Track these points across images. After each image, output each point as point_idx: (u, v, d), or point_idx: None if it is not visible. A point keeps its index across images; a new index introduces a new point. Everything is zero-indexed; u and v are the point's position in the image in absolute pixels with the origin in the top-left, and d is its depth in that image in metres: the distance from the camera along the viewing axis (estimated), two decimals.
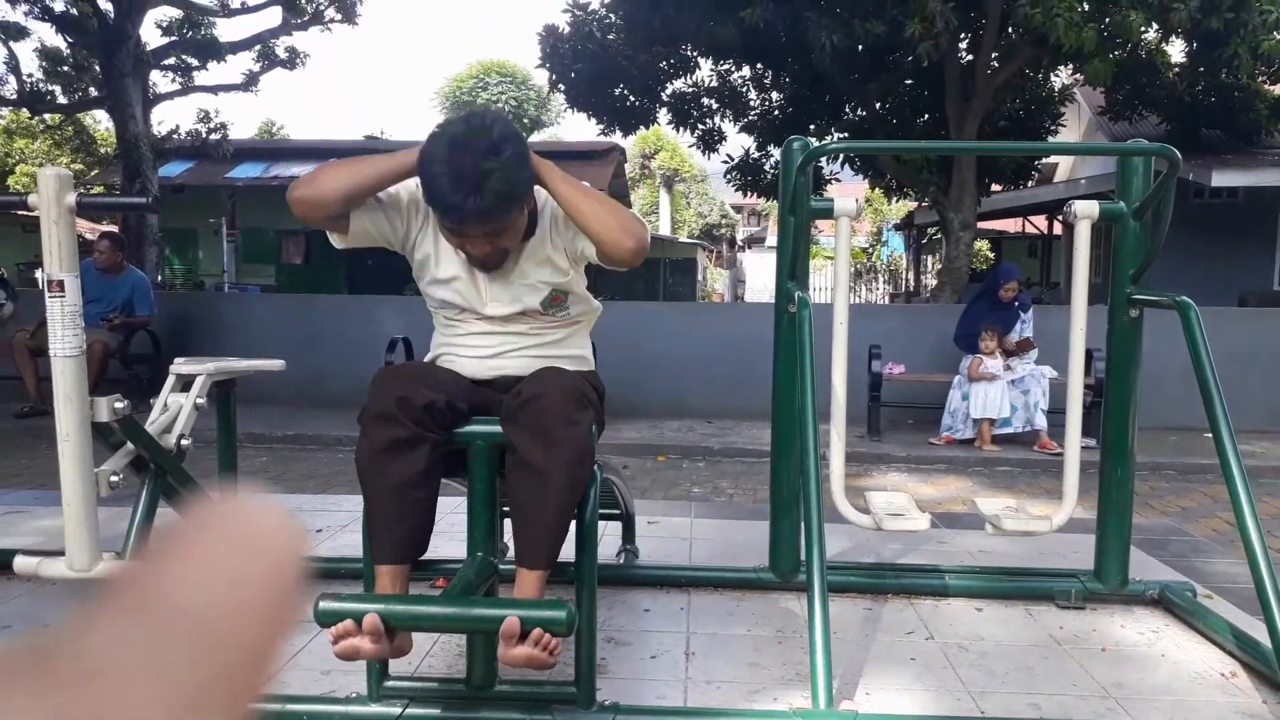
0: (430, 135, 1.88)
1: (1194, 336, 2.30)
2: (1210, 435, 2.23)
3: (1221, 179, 11.06)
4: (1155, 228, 2.55)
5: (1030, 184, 13.33)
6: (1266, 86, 11.35)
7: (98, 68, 11.25)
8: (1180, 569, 3.09)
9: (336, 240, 2.06)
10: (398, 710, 1.94)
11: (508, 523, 2.23)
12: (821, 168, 12.07)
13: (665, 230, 30.42)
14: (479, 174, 1.80)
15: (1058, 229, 16.62)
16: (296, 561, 0.31)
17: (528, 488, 1.85)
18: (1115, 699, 2.15)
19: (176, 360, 2.61)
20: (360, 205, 1.98)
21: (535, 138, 32.21)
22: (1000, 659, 2.37)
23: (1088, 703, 2.13)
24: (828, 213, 2.56)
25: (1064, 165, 17.04)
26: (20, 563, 2.16)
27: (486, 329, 2.12)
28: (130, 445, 2.27)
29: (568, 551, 1.97)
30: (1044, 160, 12.72)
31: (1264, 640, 2.05)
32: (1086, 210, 2.54)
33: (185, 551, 0.29)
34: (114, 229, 9.10)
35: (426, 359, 2.24)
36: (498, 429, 1.92)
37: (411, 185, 2.04)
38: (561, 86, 10.67)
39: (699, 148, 12.23)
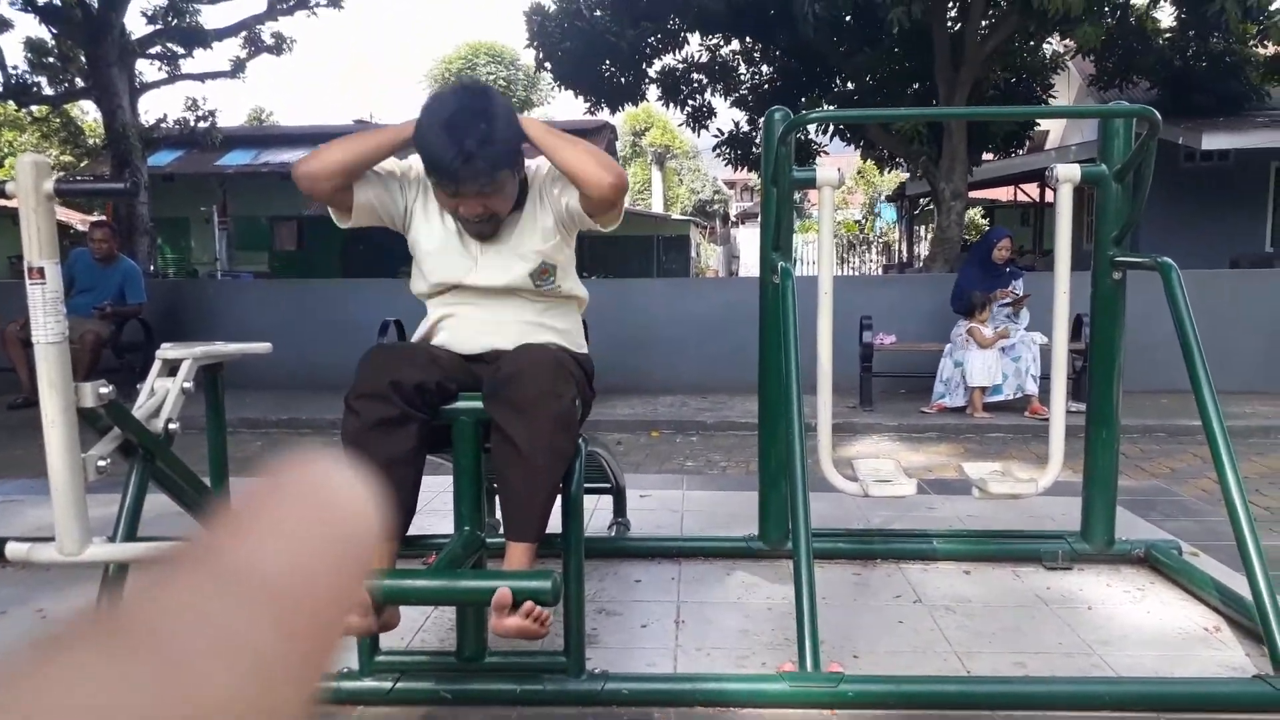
0: (425, 103, 1.99)
1: (1175, 297, 2.31)
2: None
3: (1212, 141, 11.04)
4: (1137, 190, 2.55)
5: (1021, 152, 13.30)
6: (1256, 49, 11.31)
7: (83, 58, 11.16)
8: (1167, 529, 3.12)
9: (339, 219, 2.13)
10: (389, 684, 1.97)
11: (498, 498, 2.25)
12: (812, 141, 12.05)
13: (658, 207, 30.33)
14: (472, 134, 1.89)
15: (1049, 196, 16.57)
16: (370, 530, 0.30)
17: (511, 462, 1.86)
18: (1100, 655, 2.18)
19: (163, 345, 2.62)
20: (360, 177, 2.06)
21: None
22: (987, 619, 2.40)
23: (1073, 660, 2.16)
24: (810, 182, 2.56)
25: (1054, 133, 17.00)
26: (11, 549, 2.17)
27: (477, 303, 2.14)
28: (117, 430, 2.27)
29: (556, 524, 1.99)
30: (1035, 128, 12.67)
31: (1247, 595, 2.07)
32: (1068, 173, 2.54)
33: (259, 519, 0.28)
34: (104, 219, 9.06)
35: (417, 336, 2.25)
36: (480, 405, 1.94)
37: (409, 162, 2.13)
38: (549, 65, 10.63)
39: (689, 124, 12.18)
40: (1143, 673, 2.09)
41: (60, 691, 0.20)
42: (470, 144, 1.88)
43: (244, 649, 0.24)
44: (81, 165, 19.64)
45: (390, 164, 2.13)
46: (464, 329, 2.15)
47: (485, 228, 2.06)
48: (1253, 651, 2.18)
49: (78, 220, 19.60)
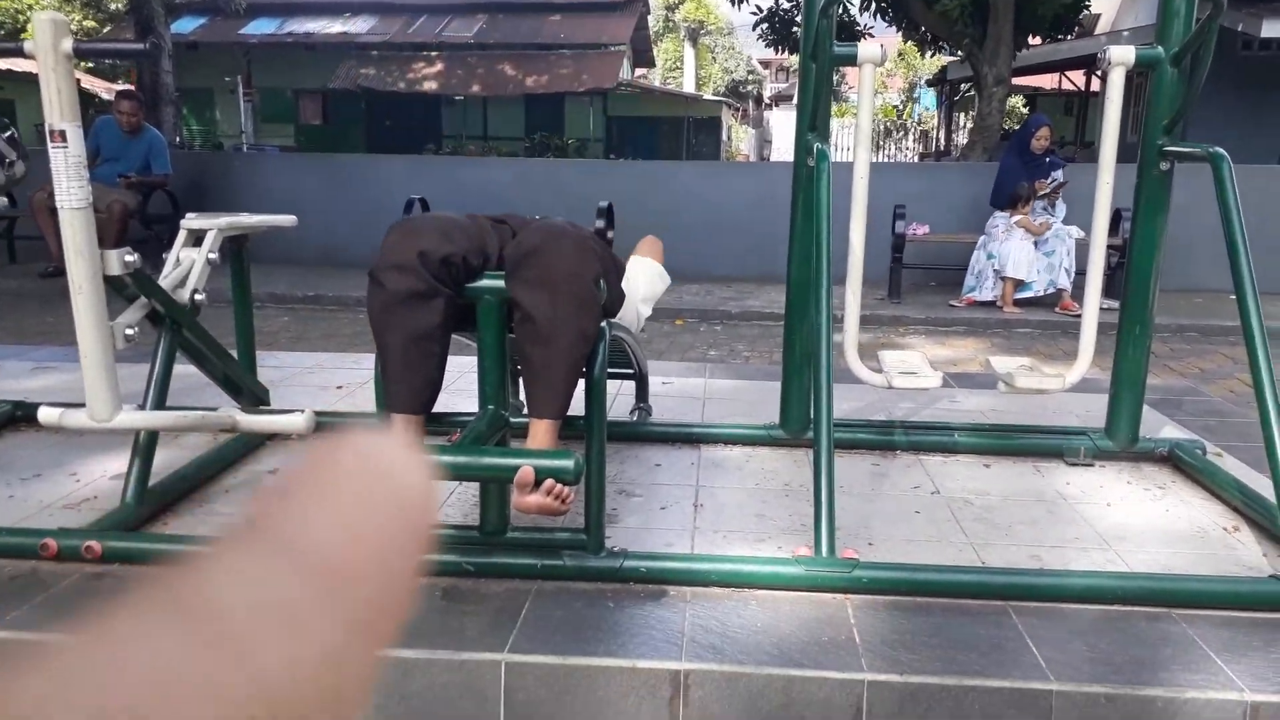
0: None
1: (1224, 190, 2.23)
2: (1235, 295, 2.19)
3: (1273, 29, 10.50)
4: (1193, 75, 2.43)
5: (1069, 36, 12.73)
6: None
7: None
8: (1194, 428, 3.09)
9: None
10: None
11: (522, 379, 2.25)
12: (853, 21, 11.59)
13: (689, 87, 29.55)
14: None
15: (1095, 85, 15.99)
16: (427, 508, 0.30)
17: (534, 340, 1.86)
18: (1116, 551, 2.19)
19: (188, 215, 2.61)
20: None
21: None
22: (1005, 513, 2.41)
23: (1088, 554, 2.17)
24: (851, 59, 2.46)
25: (1106, 17, 16.23)
26: (44, 414, 2.21)
27: None
28: (144, 299, 2.28)
29: (579, 406, 1.99)
30: (1086, 10, 12.10)
31: (1270, 496, 2.06)
32: (1121, 55, 2.42)
33: (317, 494, 0.28)
34: (130, 88, 8.94)
35: None
36: (503, 283, 1.92)
37: None
38: None
39: None
40: (1157, 570, 2.10)
41: (121, 663, 0.20)
42: None
43: (303, 625, 0.23)
44: (104, 30, 19.30)
45: None
46: None
47: None
48: (1270, 552, 2.18)
49: (103, 89, 19.38)
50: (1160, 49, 2.52)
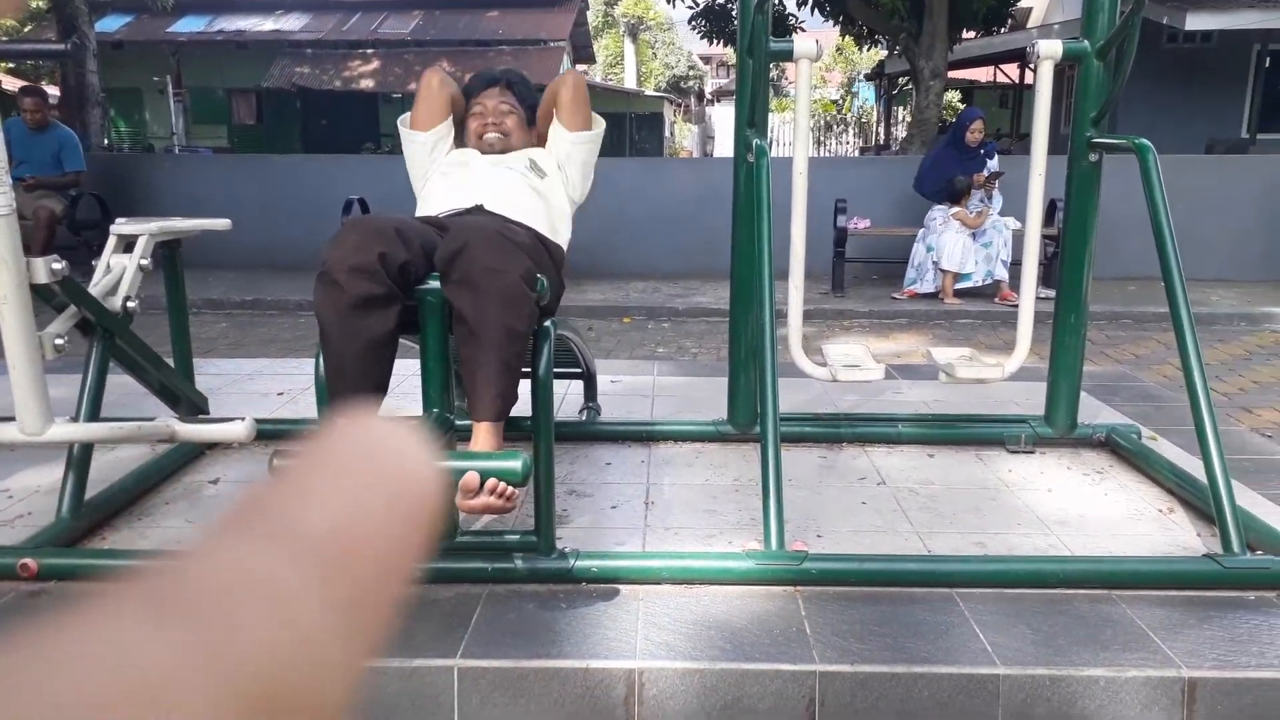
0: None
1: (1150, 180, 2.29)
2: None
3: (1196, 21, 10.82)
4: (1118, 68, 2.49)
5: (1003, 30, 12.99)
6: None
7: None
8: (1129, 413, 3.17)
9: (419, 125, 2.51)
10: None
11: None
12: (790, 15, 11.68)
13: (630, 83, 29.54)
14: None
15: (1029, 78, 16.31)
16: (428, 496, 0.29)
17: (465, 340, 1.85)
18: (1057, 535, 2.24)
19: (119, 220, 2.54)
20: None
21: None
22: (949, 501, 2.45)
23: (1031, 539, 2.22)
24: (787, 54, 2.48)
25: (1038, 11, 16.62)
26: None
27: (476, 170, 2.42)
28: (74, 308, 2.22)
29: (526, 407, 1.98)
30: (1017, 4, 12.35)
31: (1202, 478, 2.12)
32: (1049, 50, 2.47)
33: (315, 480, 0.27)
34: (31, 84, 8.67)
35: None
36: None
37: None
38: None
39: None
40: (1098, 553, 2.15)
41: (102, 657, 0.19)
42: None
43: (293, 615, 0.23)
44: (26, 29, 18.69)
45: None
46: (461, 183, 2.38)
47: (495, 142, 2.48)
48: (1204, 532, 2.25)
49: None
50: (1086, 43, 2.58)
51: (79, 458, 2.25)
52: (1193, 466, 2.47)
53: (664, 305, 6.81)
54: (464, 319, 1.84)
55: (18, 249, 2.01)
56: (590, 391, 3.12)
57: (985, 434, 2.88)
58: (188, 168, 9.28)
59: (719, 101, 33.33)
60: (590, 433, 2.93)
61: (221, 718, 0.20)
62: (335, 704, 0.23)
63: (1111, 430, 2.84)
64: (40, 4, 17.22)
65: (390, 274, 1.83)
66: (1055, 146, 2.58)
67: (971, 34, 12.57)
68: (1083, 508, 2.42)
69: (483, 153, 2.49)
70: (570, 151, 2.50)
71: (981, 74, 18.34)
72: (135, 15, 15.58)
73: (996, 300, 6.77)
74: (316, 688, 0.22)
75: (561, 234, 2.44)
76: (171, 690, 0.19)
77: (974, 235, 6.78)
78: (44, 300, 2.13)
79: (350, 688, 0.24)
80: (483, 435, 1.88)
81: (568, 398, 3.28)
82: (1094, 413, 3.09)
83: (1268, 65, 12.57)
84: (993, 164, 7.02)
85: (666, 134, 23.53)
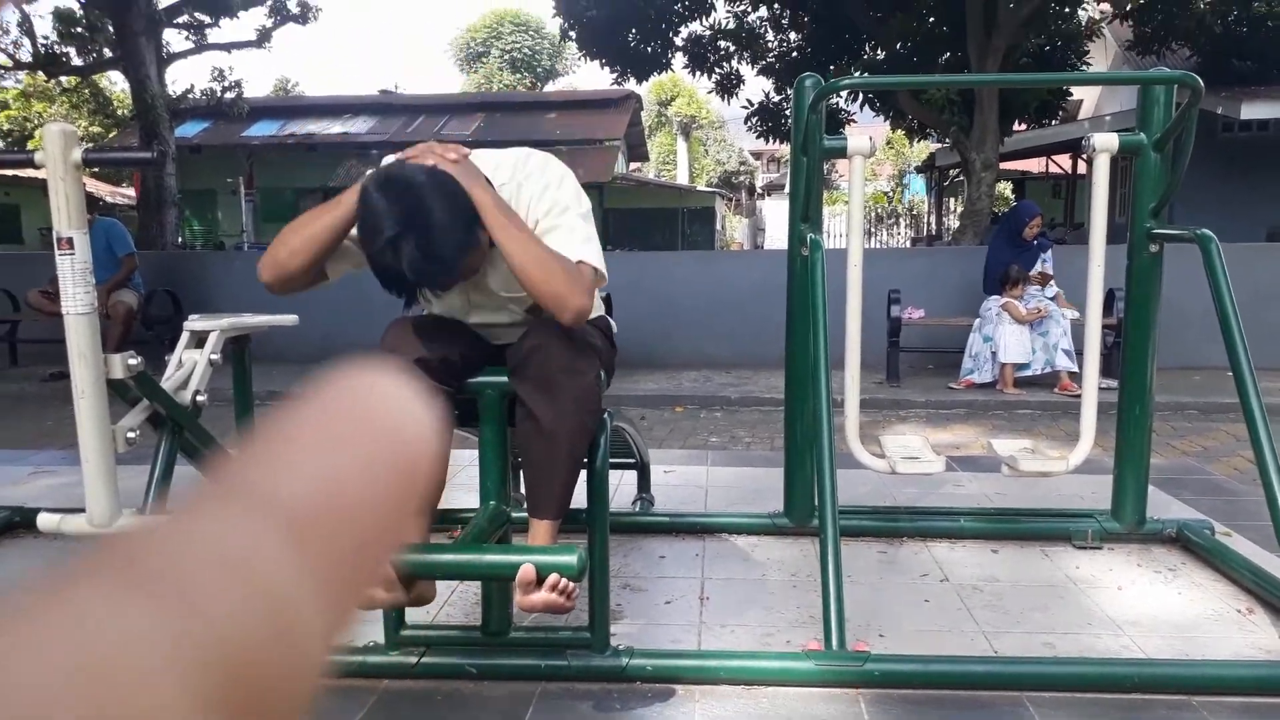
0: (361, 220, 1.75)
1: (1214, 270, 2.26)
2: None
3: (1251, 111, 10.78)
4: (1176, 160, 2.49)
5: (1054, 122, 13.06)
6: None
7: (111, 28, 11.19)
8: (1200, 508, 3.07)
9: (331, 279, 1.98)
10: (414, 658, 1.97)
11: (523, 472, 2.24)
12: (841, 110, 11.89)
13: (683, 179, 30.14)
14: (414, 251, 1.68)
15: (1082, 168, 16.31)
16: (423, 451, 0.26)
17: (535, 438, 1.86)
18: (1130, 636, 2.15)
19: (191, 317, 2.63)
20: (322, 261, 1.88)
21: (550, 87, 31.86)
22: (1015, 599, 2.37)
23: (1102, 640, 2.13)
24: (841, 152, 2.52)
25: (1088, 102, 16.68)
26: (43, 520, 2.20)
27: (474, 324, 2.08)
28: (146, 401, 2.29)
29: (581, 499, 1.98)
30: (1068, 97, 12.43)
31: None
32: (1105, 143, 2.48)
33: (296, 441, 0.25)
34: (130, 190, 9.10)
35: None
36: (505, 379, 1.92)
37: None
38: (574, 33, 10.53)
39: (717, 92, 12.05)
40: (1173, 654, 2.06)
41: (62, 626, 0.18)
42: (428, 269, 1.71)
43: (267, 584, 0.21)
44: (110, 136, 19.76)
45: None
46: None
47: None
48: None
49: (107, 192, 19.78)
50: (1143, 135, 2.58)
51: None
52: (1271, 564, 2.37)
53: (717, 394, 6.80)
54: (535, 416, 1.85)
55: (97, 346, 2.10)
56: (644, 482, 3.10)
57: (1050, 529, 2.80)
58: (256, 265, 9.60)
59: (769, 195, 33.81)
60: (644, 525, 2.91)
61: (187, 688, 0.19)
62: (307, 675, 0.22)
63: (1183, 526, 2.74)
64: (125, 111, 18.23)
65: (430, 371, 1.84)
66: (1113, 234, 2.56)
67: (1023, 126, 12.66)
68: (1156, 607, 2.32)
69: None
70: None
71: (1034, 164, 18.40)
72: (213, 121, 16.39)
73: (1056, 390, 6.65)
74: (287, 659, 0.21)
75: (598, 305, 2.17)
76: (134, 660, 0.18)
77: (1031, 325, 6.70)
78: (118, 394, 2.20)
79: (323, 659, 0.22)
80: (542, 531, 1.88)
81: (621, 488, 3.27)
82: (1163, 507, 3.00)
83: None
84: (1046, 255, 6.98)
85: (718, 227, 23.85)
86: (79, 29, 12.15)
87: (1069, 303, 6.80)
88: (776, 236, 28.18)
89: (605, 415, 2.07)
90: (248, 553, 0.21)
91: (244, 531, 0.22)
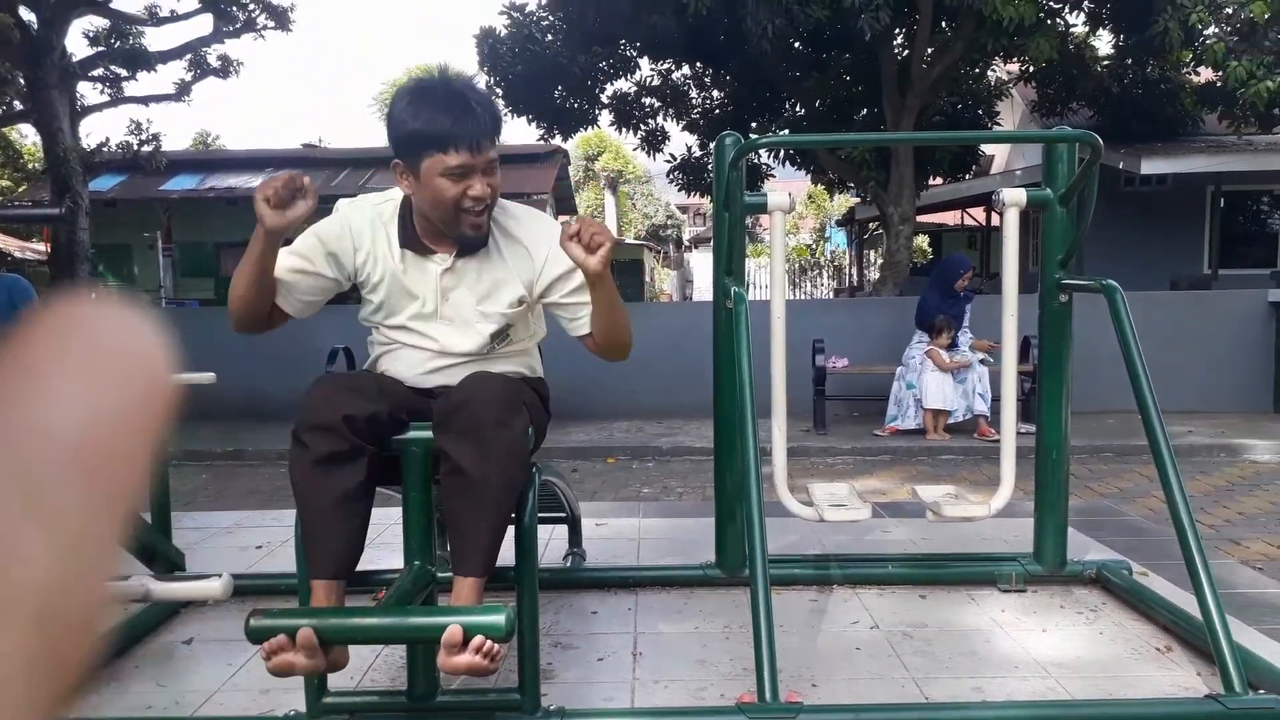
0: (396, 98, 1.93)
1: (1120, 319, 2.34)
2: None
3: (1150, 166, 11.35)
4: (1081, 214, 2.59)
5: (968, 177, 13.55)
6: (1190, 76, 11.67)
7: (22, 80, 10.92)
8: (1117, 548, 3.15)
9: (300, 317, 2.06)
10: None
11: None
12: (763, 164, 12.17)
13: (611, 232, 30.34)
14: (469, 95, 1.89)
15: (995, 220, 16.91)
16: (159, 372, 0.26)
17: (461, 493, 1.82)
18: (1055, 678, 2.18)
19: None
20: (274, 294, 1.96)
21: None
22: (944, 644, 2.40)
23: (1029, 683, 2.16)
24: (762, 208, 2.57)
25: (1000, 158, 17.36)
26: None
27: (428, 338, 2.05)
28: None
29: (508, 556, 1.95)
30: (981, 154, 12.93)
31: (1197, 614, 2.09)
32: (1014, 198, 2.57)
33: (42, 368, 0.24)
34: (41, 245, 8.83)
35: (365, 367, 2.20)
36: (430, 434, 1.89)
37: (332, 226, 2.02)
38: (500, 90, 10.61)
39: (643, 148, 12.24)
40: (1098, 694, 2.09)
41: None
42: (473, 98, 1.89)
43: (45, 510, 0.21)
44: (20, 190, 19.18)
45: (307, 249, 1.99)
46: (413, 364, 2.06)
47: (482, 221, 1.95)
48: (1204, 670, 2.20)
49: (15, 247, 19.12)
50: (1049, 190, 2.69)
51: None
52: (1186, 602, 2.44)
53: (648, 444, 6.80)
54: (463, 471, 1.81)
55: None
56: (575, 536, 3.07)
57: (976, 573, 2.84)
58: (174, 320, 9.27)
59: (696, 248, 34.29)
60: (575, 580, 2.87)
61: None
62: (85, 594, 0.21)
63: (1102, 566, 2.81)
64: (35, 165, 17.73)
65: (355, 429, 1.81)
66: (1025, 285, 2.65)
67: (938, 180, 13.12)
68: (1079, 648, 2.37)
69: (460, 237, 1.98)
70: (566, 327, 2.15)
71: (949, 217, 19.01)
72: (129, 174, 16.03)
73: (975, 435, 6.81)
74: (75, 586, 0.21)
75: (536, 364, 2.28)
76: None
77: (954, 373, 6.88)
78: None
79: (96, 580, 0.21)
80: (466, 590, 1.83)
81: (551, 543, 3.23)
82: (1082, 548, 3.07)
83: (1223, 205, 13.11)
84: (968, 306, 7.20)
85: (647, 279, 24.07)
86: None
87: (984, 342, 7.02)
88: (704, 288, 28.53)
89: (534, 469, 2.04)
90: (23, 478, 0.21)
91: (19, 459, 0.22)
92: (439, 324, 2.03)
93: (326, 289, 2.04)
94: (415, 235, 1.99)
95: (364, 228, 2.02)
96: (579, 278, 1.99)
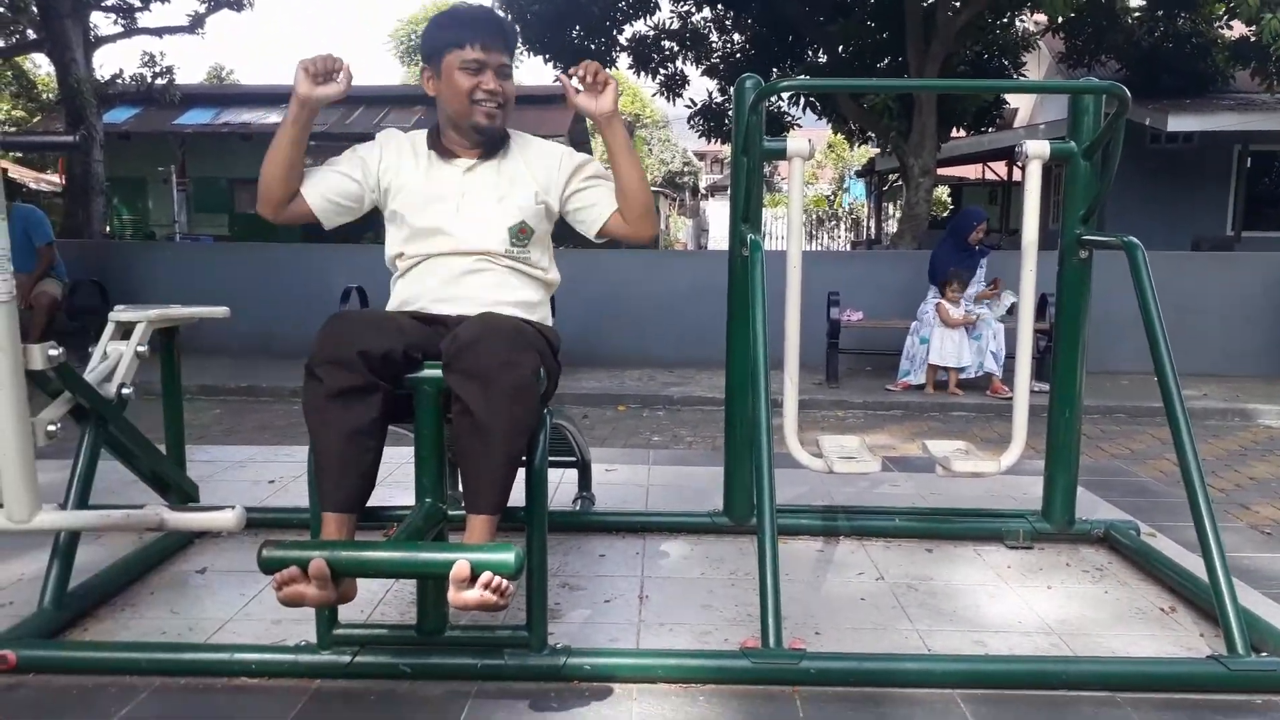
0: (428, 24, 2.26)
1: (1140, 277, 2.31)
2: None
3: (1178, 123, 11.14)
4: (1105, 168, 2.55)
5: (991, 129, 13.35)
6: (1222, 30, 11.41)
7: (35, 8, 10.81)
8: (1126, 509, 3.15)
9: (325, 224, 2.25)
10: (348, 657, 1.93)
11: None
12: (783, 114, 11.99)
13: None
14: (486, 12, 2.27)
15: (1017, 175, 16.70)
16: None
17: (470, 433, 1.83)
18: (1059, 635, 2.20)
19: (117, 308, 2.55)
20: (298, 176, 2.18)
21: None
22: (948, 598, 2.41)
23: (1031, 639, 2.18)
24: (781, 153, 2.53)
25: (1023, 110, 17.08)
26: None
27: (446, 265, 2.18)
28: (69, 394, 2.21)
29: (519, 496, 1.96)
30: (1004, 105, 12.71)
31: (1203, 576, 2.10)
32: (1037, 150, 2.53)
33: None
34: (56, 177, 8.82)
35: (389, 306, 2.25)
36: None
37: (368, 144, 2.27)
38: (518, 29, 10.44)
39: (661, 93, 12.08)
40: (1100, 652, 2.11)
41: None
42: (489, 14, 2.26)
43: None
44: (34, 120, 19.09)
45: (341, 157, 2.26)
46: (428, 288, 2.18)
47: (496, 113, 2.19)
48: (1207, 632, 2.21)
49: (30, 178, 19.10)
50: (1073, 144, 2.64)
51: (65, 546, 2.21)
52: (1193, 564, 2.44)
53: (659, 394, 6.81)
54: (470, 411, 1.82)
55: (15, 336, 2.01)
56: (584, 481, 3.09)
57: (983, 529, 2.85)
58: (188, 255, 9.37)
59: (713, 196, 34.01)
60: (584, 523, 2.89)
61: None
62: None
63: (1110, 526, 2.81)
64: (50, 96, 17.63)
65: (370, 365, 1.83)
66: (1045, 242, 2.62)
67: (960, 132, 12.92)
68: (1083, 606, 2.38)
69: (476, 128, 2.18)
70: (582, 226, 2.34)
71: (970, 171, 18.78)
72: (143, 107, 15.94)
73: (988, 393, 6.79)
74: None
75: (547, 315, 2.35)
76: None
77: (966, 329, 6.84)
78: (39, 386, 2.12)
79: None
80: (479, 528, 1.85)
81: (561, 487, 3.25)
82: (1091, 507, 3.07)
83: (1249, 165, 12.90)
84: (983, 261, 7.13)
85: (661, 227, 23.91)
86: (1, 9, 11.72)
87: (987, 290, 6.99)
88: (720, 237, 28.35)
89: (545, 413, 2.05)
90: None
91: None
92: (461, 222, 2.17)
93: (349, 193, 2.22)
94: (440, 142, 2.24)
95: (392, 144, 2.27)
96: (593, 166, 2.30)
